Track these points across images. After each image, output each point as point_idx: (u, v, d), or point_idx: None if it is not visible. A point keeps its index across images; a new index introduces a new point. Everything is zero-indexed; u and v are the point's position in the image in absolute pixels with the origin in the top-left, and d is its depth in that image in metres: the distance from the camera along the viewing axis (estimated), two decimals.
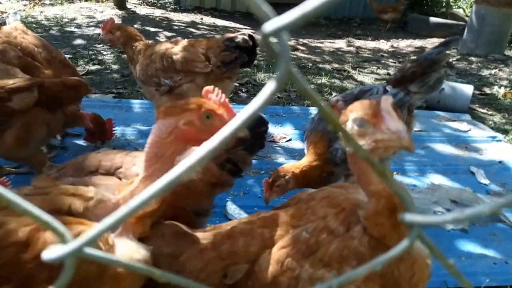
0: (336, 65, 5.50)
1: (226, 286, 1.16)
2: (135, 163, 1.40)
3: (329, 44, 6.90)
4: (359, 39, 7.48)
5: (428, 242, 0.42)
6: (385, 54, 6.44)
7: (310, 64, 5.45)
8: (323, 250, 1.09)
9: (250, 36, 2.39)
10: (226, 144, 0.26)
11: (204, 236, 1.21)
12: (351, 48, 6.73)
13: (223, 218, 2.22)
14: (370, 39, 7.53)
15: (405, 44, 7.26)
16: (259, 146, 1.70)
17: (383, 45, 7.16)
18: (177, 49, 2.55)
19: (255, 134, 1.61)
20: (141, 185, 1.08)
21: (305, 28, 7.98)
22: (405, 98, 2.02)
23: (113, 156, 1.45)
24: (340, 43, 7.07)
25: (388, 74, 5.35)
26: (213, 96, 1.19)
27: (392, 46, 7.05)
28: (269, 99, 0.24)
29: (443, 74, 2.12)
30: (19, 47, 2.53)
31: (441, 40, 8.12)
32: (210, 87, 1.21)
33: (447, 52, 2.09)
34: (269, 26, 0.22)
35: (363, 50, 6.65)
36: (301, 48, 6.41)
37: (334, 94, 4.33)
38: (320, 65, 5.47)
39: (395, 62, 6.00)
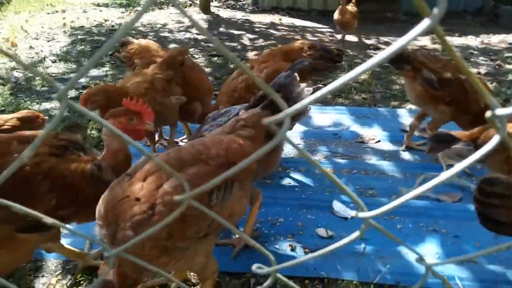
0: None
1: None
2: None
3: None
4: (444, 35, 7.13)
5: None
6: (474, 52, 6.10)
7: None
8: None
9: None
10: None
11: None
12: (437, 46, 6.47)
13: (331, 215, 2.38)
14: (456, 35, 7.15)
15: (498, 40, 6.77)
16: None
17: (472, 41, 6.76)
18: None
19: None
20: None
21: (384, 25, 7.83)
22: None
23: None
24: (424, 40, 6.82)
25: (479, 73, 5.09)
26: (132, 104, 1.81)
27: (482, 42, 6.63)
28: None
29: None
30: None
31: None
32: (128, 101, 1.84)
33: (295, 74, 1.93)
34: None
35: None
36: (382, 47, 6.34)
37: None
38: None
39: (486, 60, 5.67)
